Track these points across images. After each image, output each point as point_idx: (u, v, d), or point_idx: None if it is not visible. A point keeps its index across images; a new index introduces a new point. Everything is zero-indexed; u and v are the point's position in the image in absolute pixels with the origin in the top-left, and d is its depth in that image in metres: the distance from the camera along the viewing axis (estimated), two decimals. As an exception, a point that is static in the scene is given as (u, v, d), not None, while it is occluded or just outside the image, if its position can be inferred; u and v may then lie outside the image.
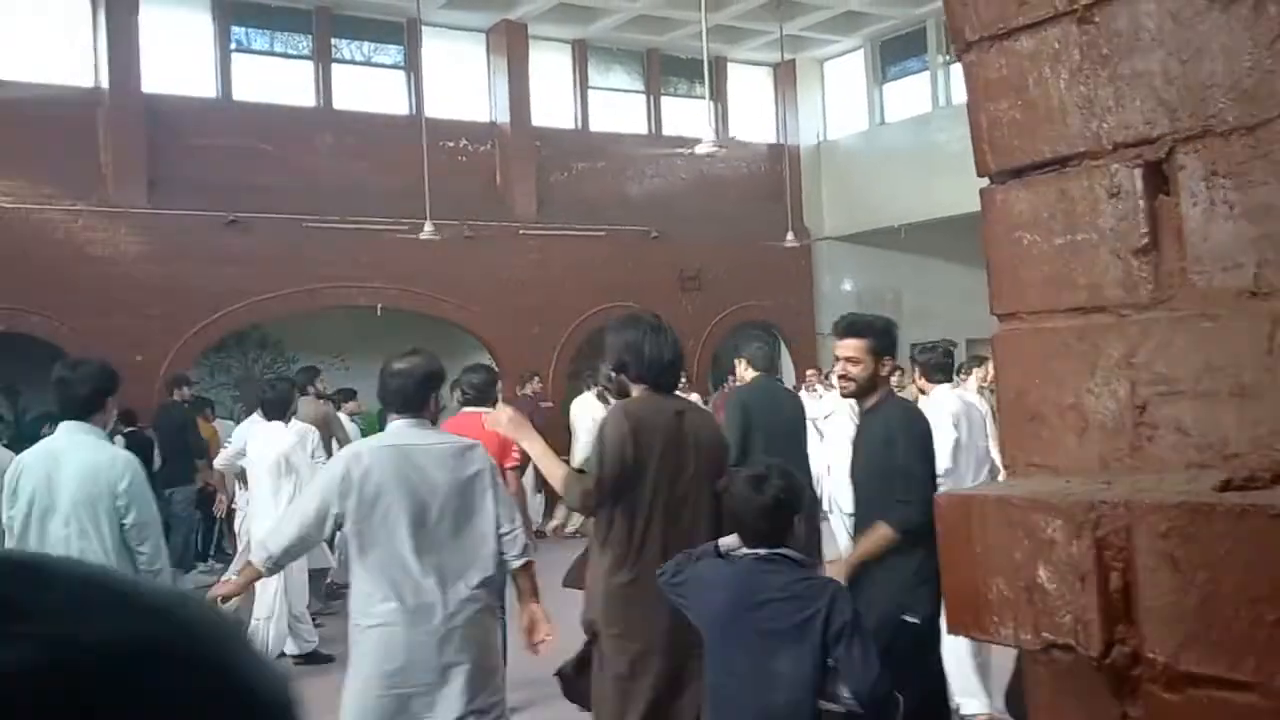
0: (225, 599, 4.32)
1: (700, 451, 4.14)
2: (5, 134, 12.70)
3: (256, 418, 8.39)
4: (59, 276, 12.85)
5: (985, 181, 1.19)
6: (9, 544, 4.44)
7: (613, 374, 4.35)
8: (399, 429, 4.23)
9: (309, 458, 7.92)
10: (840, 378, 4.50)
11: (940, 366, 6.91)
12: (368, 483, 4.02)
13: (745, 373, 7.62)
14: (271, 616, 7.65)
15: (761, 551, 3.38)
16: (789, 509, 3.44)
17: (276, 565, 4.18)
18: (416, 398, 4.25)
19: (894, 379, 6.67)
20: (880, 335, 4.45)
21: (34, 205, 12.99)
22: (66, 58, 13.61)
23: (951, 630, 1.12)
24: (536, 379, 14.22)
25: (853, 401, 5.86)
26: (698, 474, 4.01)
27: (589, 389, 13.02)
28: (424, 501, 4.09)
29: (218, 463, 8.65)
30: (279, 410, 7.92)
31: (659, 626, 3.84)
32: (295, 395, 8.53)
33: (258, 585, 7.41)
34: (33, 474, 4.45)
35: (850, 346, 4.39)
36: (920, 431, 4.39)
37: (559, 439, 13.49)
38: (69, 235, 13.21)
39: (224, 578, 8.58)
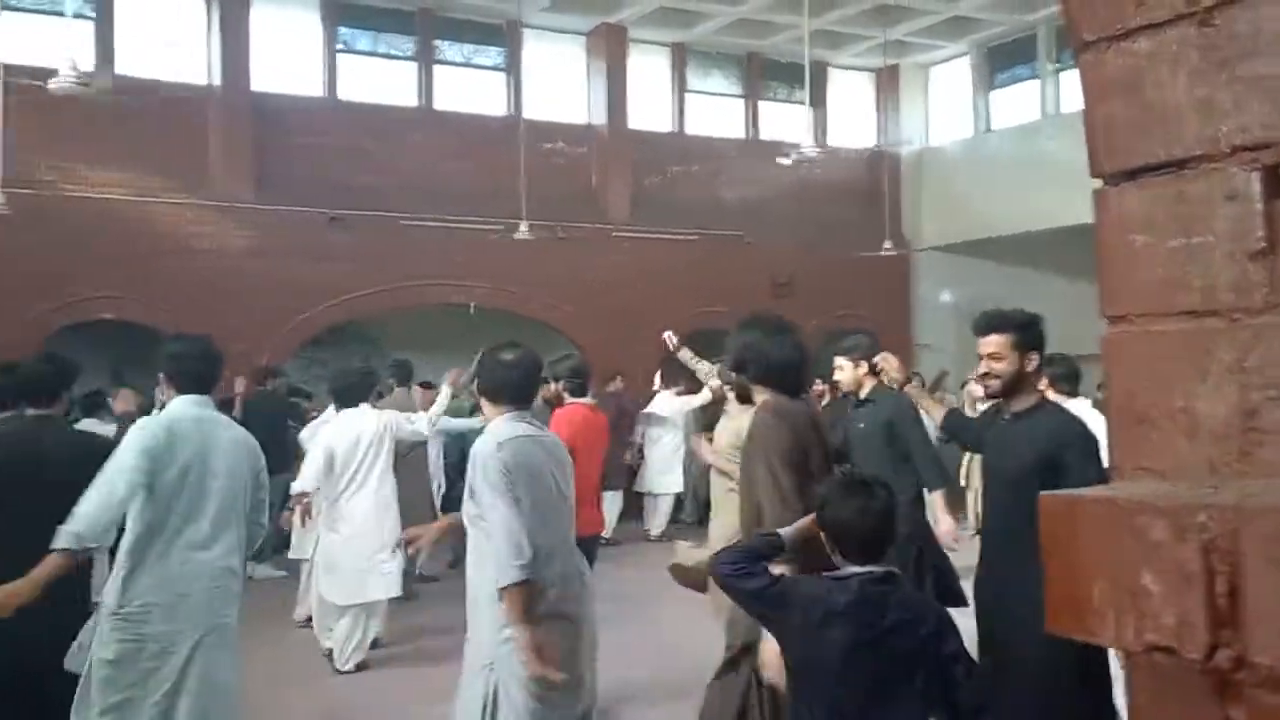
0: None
1: (829, 456, 4.10)
2: (118, 127, 13.14)
3: (332, 412, 8.30)
4: (165, 267, 13.28)
5: (1094, 187, 1.19)
6: (161, 507, 4.35)
7: (733, 374, 4.28)
8: (514, 421, 4.12)
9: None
10: (983, 376, 4.26)
11: (1069, 377, 6.53)
12: (530, 469, 3.99)
13: (866, 378, 6.41)
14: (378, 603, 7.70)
15: (876, 571, 3.14)
16: (895, 518, 3.26)
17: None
18: (524, 389, 4.22)
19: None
20: (1023, 328, 4.25)
21: (144, 197, 13.42)
22: (180, 55, 14.04)
23: (1049, 630, 1.12)
24: (619, 378, 14.30)
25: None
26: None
27: (669, 387, 13.20)
28: (558, 490, 4.12)
29: (307, 484, 7.67)
30: (350, 398, 7.83)
31: None
32: (380, 382, 8.46)
33: (357, 574, 7.51)
34: (190, 439, 4.43)
35: (993, 343, 4.19)
36: (1095, 446, 3.99)
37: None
38: (176, 227, 13.63)
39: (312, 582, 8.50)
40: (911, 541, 5.39)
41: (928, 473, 6.23)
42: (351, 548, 7.51)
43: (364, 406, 7.86)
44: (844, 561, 3.18)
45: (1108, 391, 1.20)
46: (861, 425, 6.26)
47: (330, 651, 7.66)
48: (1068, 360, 6.60)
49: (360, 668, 7.56)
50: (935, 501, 6.34)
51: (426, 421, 8.23)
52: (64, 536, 4.01)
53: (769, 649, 3.57)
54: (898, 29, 16.67)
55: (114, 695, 4.23)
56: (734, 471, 4.48)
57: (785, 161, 14.04)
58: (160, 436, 4.38)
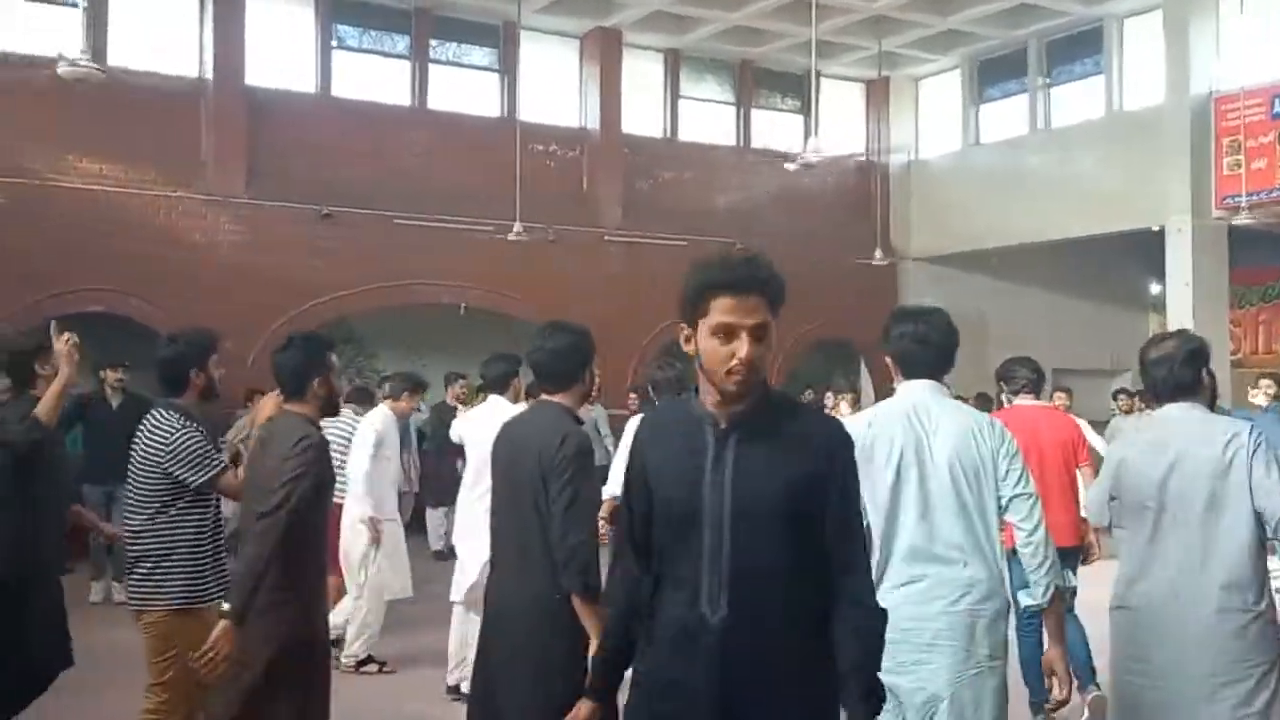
0: None
1: None
2: (109, 118, 13.05)
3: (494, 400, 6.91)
4: (154, 261, 13.20)
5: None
6: None
7: None
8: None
9: None
10: None
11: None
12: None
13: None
14: None
15: None
16: None
17: None
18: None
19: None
20: None
21: (134, 190, 13.37)
22: (173, 48, 13.98)
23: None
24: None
25: None
26: None
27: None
28: None
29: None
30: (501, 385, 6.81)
31: None
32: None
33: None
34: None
35: None
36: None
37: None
38: (167, 221, 13.57)
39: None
40: None
41: None
42: None
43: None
44: None
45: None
46: None
47: None
48: None
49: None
50: None
51: None
52: None
53: None
54: (890, 40, 16.71)
55: None
56: None
57: (790, 167, 14.00)
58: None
